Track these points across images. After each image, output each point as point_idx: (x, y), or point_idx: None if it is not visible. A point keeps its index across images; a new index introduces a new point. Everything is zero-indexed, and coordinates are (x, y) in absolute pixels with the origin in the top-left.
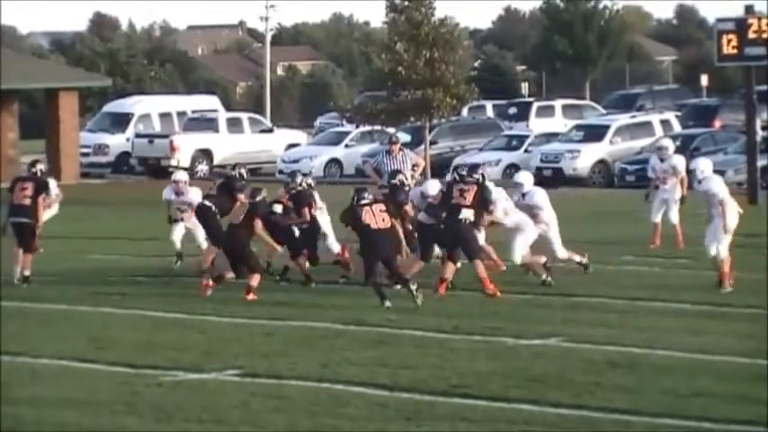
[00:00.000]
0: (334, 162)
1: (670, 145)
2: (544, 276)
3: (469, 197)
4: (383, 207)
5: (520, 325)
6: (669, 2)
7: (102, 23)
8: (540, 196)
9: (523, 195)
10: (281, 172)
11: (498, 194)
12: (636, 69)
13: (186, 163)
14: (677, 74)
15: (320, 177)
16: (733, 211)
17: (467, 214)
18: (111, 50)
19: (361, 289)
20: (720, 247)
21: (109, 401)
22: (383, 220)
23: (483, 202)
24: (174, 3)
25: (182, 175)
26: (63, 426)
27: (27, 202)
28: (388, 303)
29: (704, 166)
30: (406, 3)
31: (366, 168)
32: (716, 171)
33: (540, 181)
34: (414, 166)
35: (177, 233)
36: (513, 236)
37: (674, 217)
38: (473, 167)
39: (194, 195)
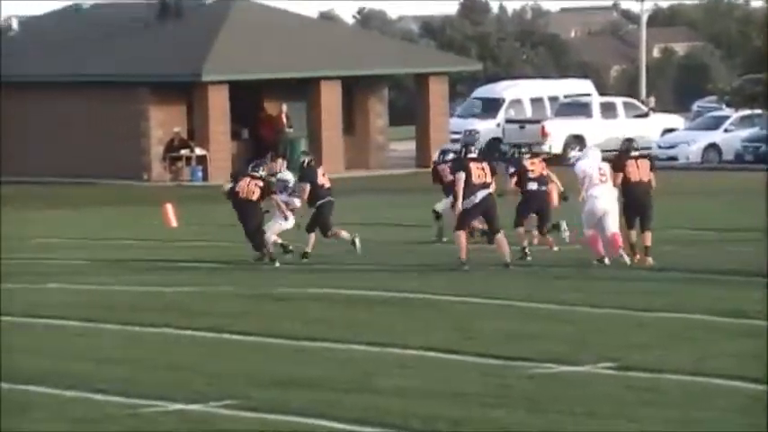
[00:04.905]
0: (713, 147)
1: None
2: None
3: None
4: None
5: None
6: None
7: (472, 7)
8: None
9: None
10: (656, 158)
11: None
12: None
13: (558, 149)
14: None
15: (697, 163)
16: None
17: None
18: (481, 34)
19: (743, 280)
20: None
21: (477, 393)
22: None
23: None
24: None
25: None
26: (431, 417)
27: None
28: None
29: None
30: None
31: None
32: None
33: None
34: None
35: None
36: None
37: None
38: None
39: None
